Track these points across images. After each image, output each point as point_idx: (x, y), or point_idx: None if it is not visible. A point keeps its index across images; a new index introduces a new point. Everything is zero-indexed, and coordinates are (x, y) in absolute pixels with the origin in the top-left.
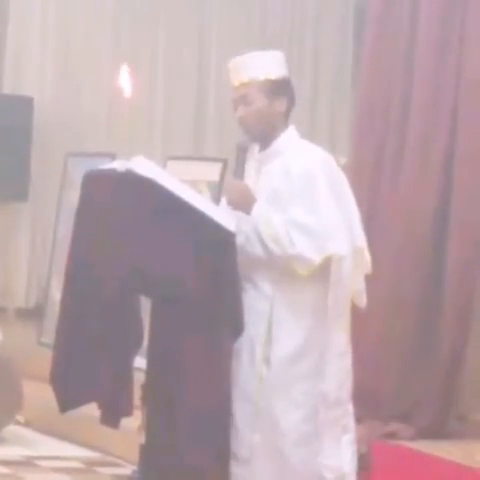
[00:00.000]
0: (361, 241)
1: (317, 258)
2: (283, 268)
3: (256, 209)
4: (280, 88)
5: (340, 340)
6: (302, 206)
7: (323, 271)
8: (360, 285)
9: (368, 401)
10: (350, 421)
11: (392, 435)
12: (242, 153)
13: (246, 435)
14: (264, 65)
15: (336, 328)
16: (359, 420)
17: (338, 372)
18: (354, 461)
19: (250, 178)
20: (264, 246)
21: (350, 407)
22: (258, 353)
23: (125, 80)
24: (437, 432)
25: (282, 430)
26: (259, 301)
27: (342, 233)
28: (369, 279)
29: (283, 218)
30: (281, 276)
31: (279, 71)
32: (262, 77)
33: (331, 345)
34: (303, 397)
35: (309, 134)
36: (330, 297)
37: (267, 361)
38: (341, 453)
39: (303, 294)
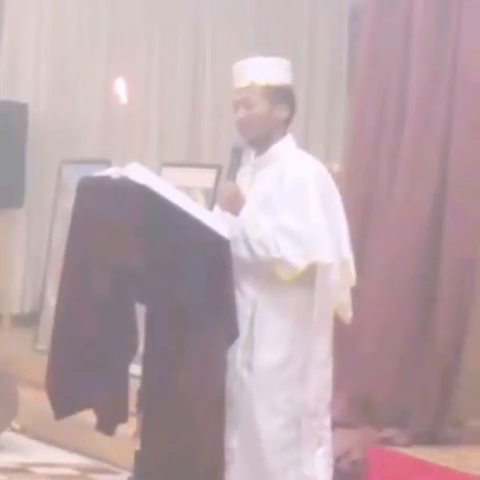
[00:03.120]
0: (347, 254)
1: (301, 264)
2: (267, 272)
3: (244, 212)
4: (282, 95)
5: (322, 350)
6: (291, 213)
7: (307, 277)
8: (346, 298)
9: (363, 407)
10: (326, 434)
11: (387, 441)
12: (237, 155)
13: (227, 439)
14: (268, 70)
15: (319, 338)
16: (354, 426)
17: (318, 383)
18: (329, 474)
19: (244, 182)
20: (249, 248)
21: (327, 420)
22: (238, 356)
23: (121, 87)
24: (432, 438)
25: (262, 436)
26: (242, 304)
27: (328, 242)
28: (364, 284)
29: (271, 223)
30: (265, 280)
31: (283, 78)
32: (265, 82)
33: (313, 355)
34: (284, 404)
35: (303, 138)
36: (314, 305)
37: (248, 366)
38: (315, 465)
39: (287, 299)
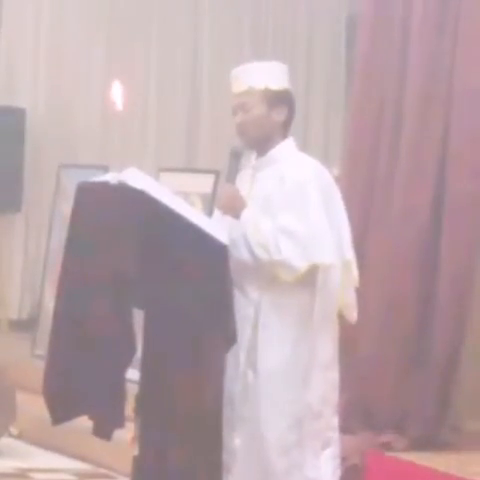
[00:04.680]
0: (350, 254)
1: (303, 265)
2: (269, 274)
3: (245, 214)
4: (280, 98)
5: (325, 351)
6: (292, 214)
7: (310, 279)
8: (350, 299)
9: (361, 411)
10: (334, 435)
11: (385, 446)
12: (235, 159)
13: (226, 440)
14: (266, 75)
15: (322, 339)
16: (352, 431)
17: (322, 384)
18: (336, 475)
19: (245, 184)
20: (251, 251)
21: (335, 421)
22: (242, 358)
23: (117, 93)
24: (431, 442)
25: (267, 437)
26: (245, 306)
27: (330, 243)
28: (362, 289)
29: (272, 224)
30: (268, 282)
31: (280, 82)
32: (263, 86)
33: (316, 356)
34: (289, 406)
35: (302, 143)
36: (316, 307)
37: (254, 367)
38: (321, 466)
39: (289, 300)
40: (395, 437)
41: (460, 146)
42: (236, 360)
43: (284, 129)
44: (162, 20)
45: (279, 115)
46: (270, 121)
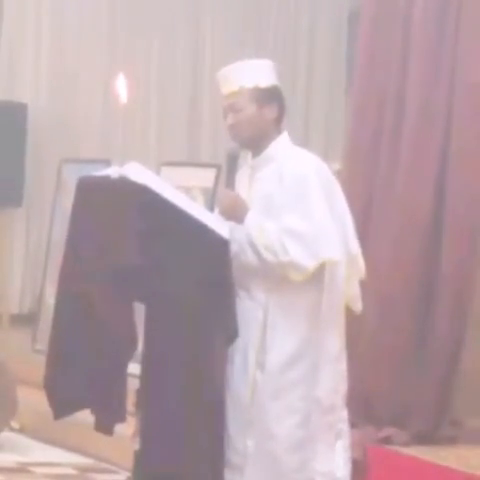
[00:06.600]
0: (355, 247)
1: (311, 264)
2: (277, 275)
3: (249, 218)
4: (270, 96)
5: (334, 345)
6: (295, 212)
7: (317, 277)
8: (355, 290)
9: (362, 406)
10: (344, 427)
11: (386, 440)
12: (233, 161)
13: (238, 442)
14: (253, 73)
15: (330, 333)
16: (353, 425)
17: (332, 378)
18: (348, 467)
19: (243, 185)
20: (258, 254)
21: (344, 413)
22: (251, 359)
23: (121, 85)
24: (431, 437)
25: (276, 436)
26: (253, 308)
27: (335, 238)
28: (362, 284)
29: (276, 225)
30: (275, 283)
31: (268, 79)
32: (251, 85)
33: (325, 350)
34: (298, 402)
35: (303, 139)
36: (324, 302)
37: (261, 367)
38: (334, 459)
39: (297, 300)
40: (396, 431)
41: (462, 142)
42: (245, 362)
43: (277, 125)
44: (164, 13)
45: (271, 112)
46: (262, 119)
